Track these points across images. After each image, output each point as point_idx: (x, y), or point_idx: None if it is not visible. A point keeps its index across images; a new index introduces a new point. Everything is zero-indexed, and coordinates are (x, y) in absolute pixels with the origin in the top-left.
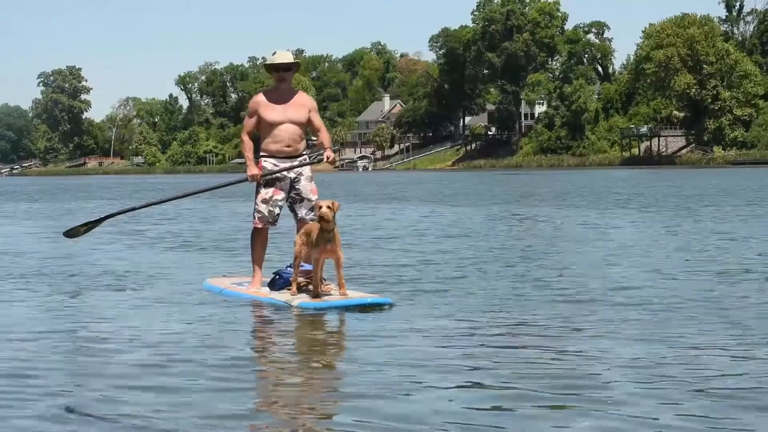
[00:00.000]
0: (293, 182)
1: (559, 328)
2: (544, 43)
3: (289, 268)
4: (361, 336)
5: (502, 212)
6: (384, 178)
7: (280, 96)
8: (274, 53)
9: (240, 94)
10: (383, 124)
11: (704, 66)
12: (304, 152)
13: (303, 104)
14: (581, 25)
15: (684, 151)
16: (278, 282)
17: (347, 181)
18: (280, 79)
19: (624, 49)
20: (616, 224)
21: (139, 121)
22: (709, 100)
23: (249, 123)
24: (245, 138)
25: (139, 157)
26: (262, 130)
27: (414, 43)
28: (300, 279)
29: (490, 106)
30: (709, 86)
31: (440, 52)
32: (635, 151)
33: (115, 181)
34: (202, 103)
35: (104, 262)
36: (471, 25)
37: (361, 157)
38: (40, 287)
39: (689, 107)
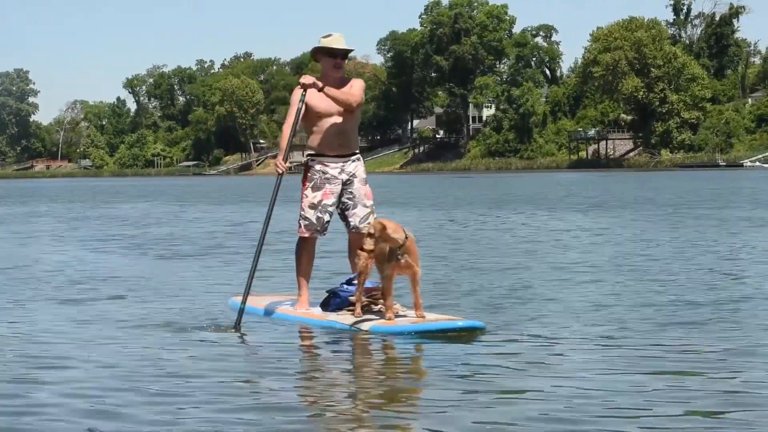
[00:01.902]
0: (345, 185)
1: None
2: (492, 47)
3: (346, 286)
4: (450, 367)
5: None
6: None
7: (332, 85)
8: (328, 36)
9: (188, 97)
10: None
11: (652, 69)
12: (358, 151)
13: (355, 91)
14: (529, 29)
15: (632, 154)
16: (333, 302)
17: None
18: (336, 66)
19: (572, 52)
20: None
21: (86, 124)
22: (657, 103)
23: (290, 116)
24: (284, 131)
25: (87, 160)
26: (310, 123)
27: (362, 46)
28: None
29: (438, 109)
30: (657, 89)
31: (388, 56)
32: (583, 154)
33: (63, 185)
34: (150, 106)
35: (92, 273)
36: (419, 28)
37: None
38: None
39: (637, 110)
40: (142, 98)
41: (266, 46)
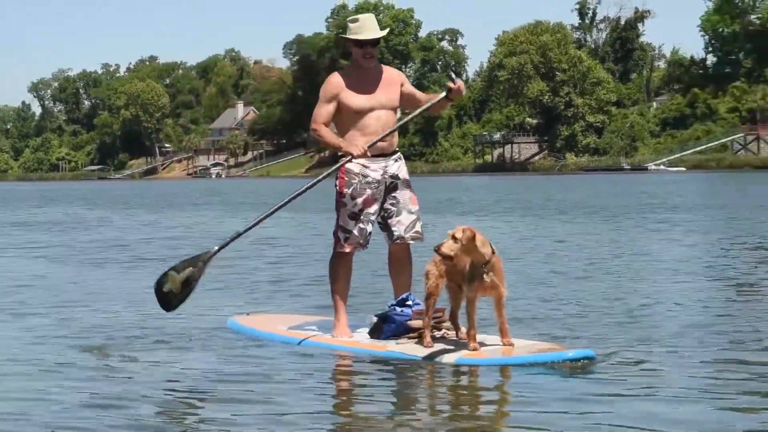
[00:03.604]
0: (388, 188)
1: None
2: (398, 50)
3: (400, 309)
4: (571, 405)
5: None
6: (254, 184)
7: (366, 76)
8: (356, 20)
9: (93, 101)
10: (237, 131)
11: (557, 73)
12: (398, 149)
13: (393, 81)
14: (435, 33)
15: (537, 157)
16: (387, 328)
17: (207, 189)
18: (366, 56)
19: (477, 56)
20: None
21: None
22: (562, 107)
23: (324, 111)
24: (321, 128)
25: None
26: (344, 120)
27: (268, 49)
28: (416, 322)
29: None
30: (562, 93)
31: (294, 59)
32: (488, 158)
33: None
34: (55, 110)
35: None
36: (325, 32)
37: (215, 164)
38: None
39: (542, 114)
40: (47, 102)
41: (172, 50)
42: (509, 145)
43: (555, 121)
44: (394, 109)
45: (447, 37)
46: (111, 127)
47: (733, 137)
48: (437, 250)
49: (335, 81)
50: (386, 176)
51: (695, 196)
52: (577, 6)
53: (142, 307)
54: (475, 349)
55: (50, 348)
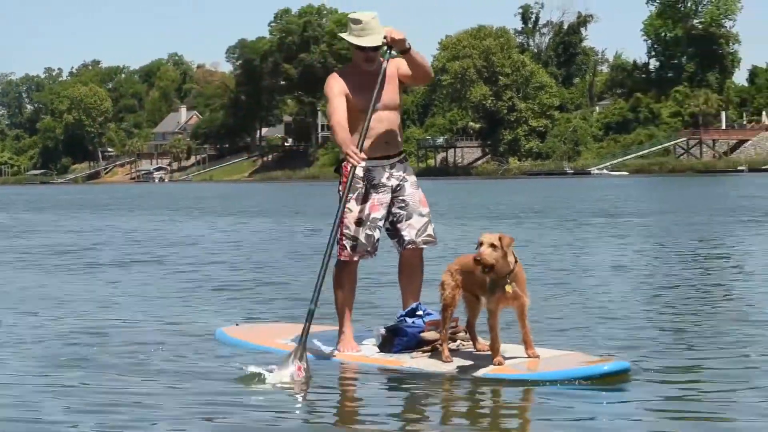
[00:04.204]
0: (395, 191)
1: None
2: (341, 55)
3: (410, 320)
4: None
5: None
6: (198, 189)
7: (367, 78)
8: (359, 22)
9: (36, 105)
10: (180, 136)
11: (500, 77)
12: (403, 149)
13: (392, 78)
14: None
15: (480, 162)
16: (398, 341)
17: (152, 193)
18: (367, 60)
19: None
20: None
21: None
22: (505, 111)
23: (338, 105)
24: (337, 125)
25: None
26: (350, 122)
27: (211, 54)
28: (430, 334)
29: (287, 117)
30: (505, 97)
31: (237, 63)
32: (431, 162)
33: None
34: None
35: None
36: (268, 36)
37: (158, 168)
38: None
39: (485, 118)
40: None
41: (115, 54)
42: (452, 150)
43: (498, 125)
44: (397, 108)
45: None
46: (54, 131)
47: (676, 141)
48: (479, 260)
49: (337, 81)
50: (392, 179)
51: (652, 201)
52: (520, 10)
53: (114, 314)
54: (500, 364)
55: (16, 356)
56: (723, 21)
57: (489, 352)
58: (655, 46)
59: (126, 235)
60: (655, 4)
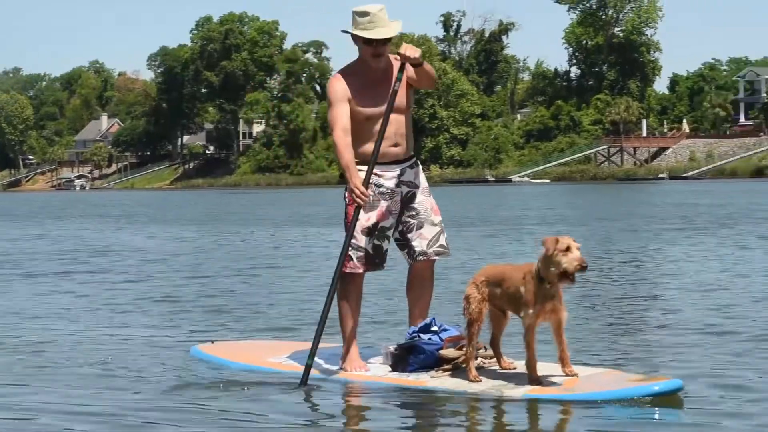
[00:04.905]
0: (405, 198)
1: None
2: (262, 63)
3: (423, 336)
4: None
5: None
6: (120, 196)
7: (374, 76)
8: (366, 14)
9: None
10: (101, 143)
11: None
12: (413, 153)
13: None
14: (300, 45)
15: None
16: (414, 359)
17: (74, 201)
18: (375, 55)
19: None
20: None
21: None
22: (427, 119)
23: (341, 112)
24: (340, 139)
25: None
26: (353, 127)
27: (132, 61)
28: (450, 352)
29: (208, 125)
30: (427, 105)
31: (158, 71)
32: None
33: None
34: None
35: None
36: (189, 44)
37: (79, 176)
38: None
39: None
40: None
41: (35, 62)
42: None
43: (419, 133)
44: (406, 110)
45: (312, 49)
46: None
47: (597, 149)
48: (586, 267)
49: (340, 84)
50: (402, 185)
51: (579, 208)
52: (442, 18)
53: (72, 326)
54: (538, 383)
55: None
56: (644, 29)
57: (514, 371)
58: (577, 54)
59: (56, 245)
60: (577, 12)
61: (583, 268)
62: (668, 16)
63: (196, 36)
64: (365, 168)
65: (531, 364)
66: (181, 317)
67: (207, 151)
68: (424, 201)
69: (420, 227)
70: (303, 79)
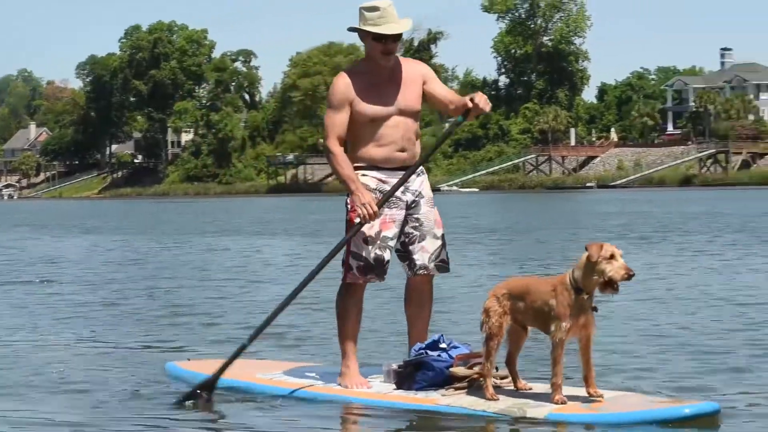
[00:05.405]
0: (410, 207)
1: None
2: (191, 71)
3: (430, 352)
4: None
5: None
6: (48, 206)
7: (382, 75)
8: (376, 9)
9: None
10: (29, 152)
11: None
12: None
13: (414, 80)
14: (229, 53)
15: (330, 178)
16: (422, 376)
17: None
18: (384, 53)
19: (271, 77)
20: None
21: None
22: None
23: (337, 121)
24: (336, 148)
25: None
26: (356, 130)
27: (61, 70)
28: (460, 370)
29: (137, 134)
30: None
31: (87, 80)
32: (282, 178)
33: None
34: None
35: None
36: (118, 52)
37: (7, 185)
38: None
39: None
40: None
41: None
42: (303, 166)
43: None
44: (416, 114)
45: (241, 57)
46: None
47: (525, 158)
48: (633, 275)
49: (343, 83)
50: (408, 193)
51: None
52: None
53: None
54: (562, 402)
55: None
56: (572, 38)
57: (530, 391)
58: (505, 63)
59: None
60: (506, 21)
61: (630, 276)
62: (597, 26)
63: (125, 45)
64: (369, 173)
65: (557, 382)
66: (126, 326)
67: (135, 160)
68: (428, 212)
69: (422, 239)
70: (232, 87)
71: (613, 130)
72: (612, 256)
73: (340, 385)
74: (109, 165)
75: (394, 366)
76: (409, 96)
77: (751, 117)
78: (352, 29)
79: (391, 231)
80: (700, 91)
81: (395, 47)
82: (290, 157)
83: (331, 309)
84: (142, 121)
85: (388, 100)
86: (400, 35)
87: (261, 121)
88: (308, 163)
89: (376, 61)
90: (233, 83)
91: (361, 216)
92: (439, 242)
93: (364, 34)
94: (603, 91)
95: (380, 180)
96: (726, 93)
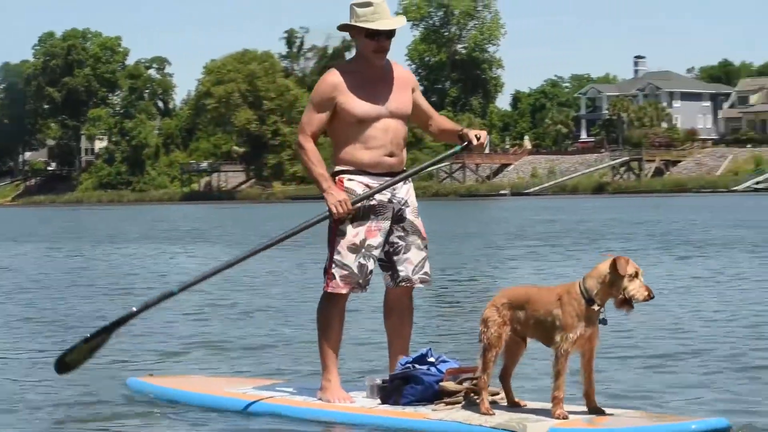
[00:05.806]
0: (396, 216)
1: None
2: (105, 78)
3: (418, 366)
4: None
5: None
6: None
7: (373, 75)
8: (368, 5)
9: None
10: None
11: (265, 102)
12: (406, 168)
13: (406, 84)
14: (143, 60)
15: (244, 186)
16: (409, 390)
17: None
18: (377, 51)
19: (185, 84)
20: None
21: None
22: (270, 136)
23: (315, 119)
24: (308, 144)
25: None
26: (343, 130)
27: None
28: (451, 384)
29: (50, 141)
30: (269, 122)
31: (0, 87)
32: (195, 186)
33: None
34: None
35: None
36: (32, 59)
37: None
38: None
39: (249, 142)
40: None
41: None
42: (216, 174)
43: (262, 149)
44: (405, 118)
45: (155, 65)
46: None
47: (439, 165)
48: (653, 297)
49: (331, 81)
50: (394, 200)
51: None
52: (285, 35)
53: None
54: (564, 417)
55: None
56: (486, 46)
57: (524, 406)
58: (419, 71)
59: None
60: (420, 29)
61: (650, 298)
62: (511, 34)
63: (39, 52)
64: (356, 177)
65: (559, 396)
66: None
67: (49, 168)
68: (413, 222)
69: (407, 250)
70: (145, 95)
71: (526, 137)
72: (636, 275)
73: (321, 399)
74: (23, 172)
75: (378, 381)
76: (400, 99)
77: (664, 125)
78: (343, 27)
79: (376, 240)
80: (614, 99)
81: (388, 45)
82: (204, 164)
83: (312, 320)
84: (55, 129)
85: (379, 100)
86: (393, 32)
87: (175, 128)
88: (222, 170)
89: (369, 59)
90: (147, 90)
91: (335, 214)
92: (423, 253)
93: (356, 32)
94: (517, 98)
95: (367, 185)
96: (639, 101)
